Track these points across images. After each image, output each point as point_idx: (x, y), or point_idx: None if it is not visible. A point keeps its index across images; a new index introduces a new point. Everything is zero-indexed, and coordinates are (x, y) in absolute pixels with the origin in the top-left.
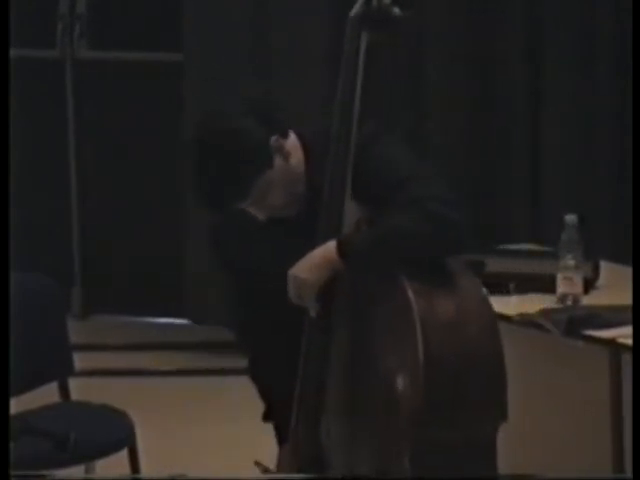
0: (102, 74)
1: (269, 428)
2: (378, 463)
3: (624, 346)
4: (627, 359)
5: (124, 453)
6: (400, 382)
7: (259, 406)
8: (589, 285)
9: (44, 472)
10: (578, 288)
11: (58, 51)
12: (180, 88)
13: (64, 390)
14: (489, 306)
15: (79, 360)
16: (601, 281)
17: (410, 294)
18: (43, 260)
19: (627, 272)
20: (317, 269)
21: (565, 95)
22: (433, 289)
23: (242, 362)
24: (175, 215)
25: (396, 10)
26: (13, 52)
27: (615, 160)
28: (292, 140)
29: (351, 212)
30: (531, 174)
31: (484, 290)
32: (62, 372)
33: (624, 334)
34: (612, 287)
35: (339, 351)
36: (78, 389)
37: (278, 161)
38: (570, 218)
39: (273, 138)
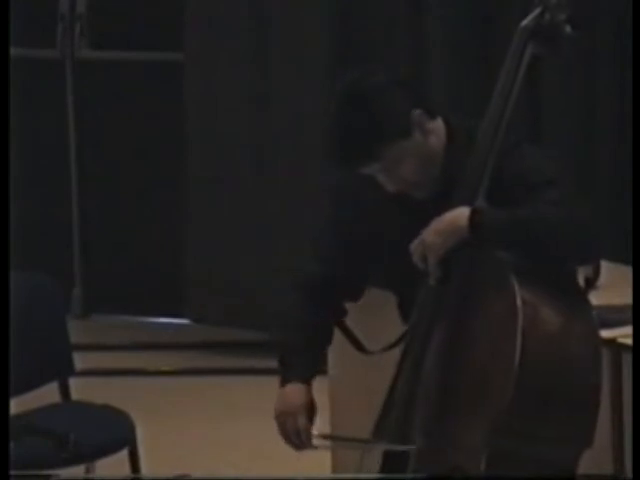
0: (102, 74)
1: (269, 428)
2: (455, 461)
3: (624, 346)
4: (627, 359)
5: (124, 453)
6: (489, 386)
7: (259, 406)
8: (589, 285)
9: (44, 472)
10: None
11: (58, 51)
12: (180, 88)
13: (64, 390)
14: (596, 333)
15: (79, 360)
16: (601, 281)
17: (518, 301)
18: (44, 260)
19: (627, 272)
20: (444, 233)
21: (565, 95)
22: (542, 301)
23: (243, 362)
24: (176, 215)
25: (568, 28)
26: (14, 52)
27: (616, 160)
28: (438, 123)
29: None
30: None
31: (595, 316)
32: (62, 372)
33: (624, 334)
34: (612, 287)
35: (437, 338)
36: (78, 389)
37: (417, 135)
38: None
39: (416, 112)
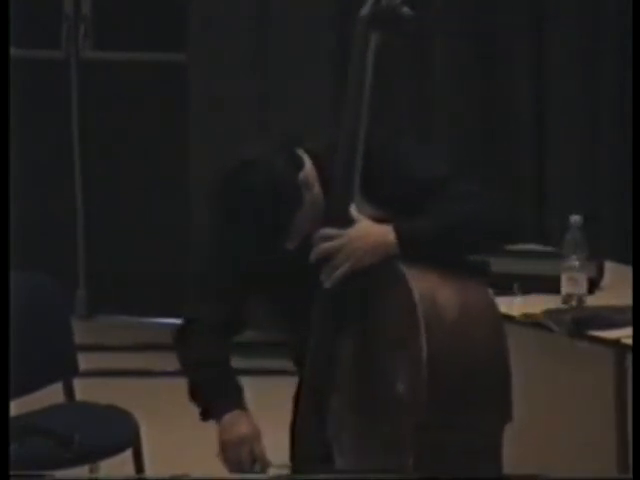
0: (107, 74)
1: (271, 427)
2: (382, 463)
3: (629, 346)
4: (632, 359)
5: (128, 453)
6: (403, 383)
7: (261, 406)
8: (593, 285)
9: (46, 472)
10: (582, 288)
11: (63, 52)
12: (183, 88)
13: (69, 390)
14: (495, 307)
15: (84, 360)
16: (605, 281)
17: (415, 294)
18: (48, 261)
19: (631, 272)
20: (370, 250)
21: (569, 95)
22: (438, 290)
23: (245, 362)
24: (178, 216)
25: (406, 10)
26: (18, 53)
27: (619, 160)
28: (307, 164)
29: (364, 213)
30: (535, 175)
31: (490, 291)
32: (67, 372)
33: (629, 334)
34: (616, 287)
35: (346, 345)
36: (83, 389)
37: (307, 196)
38: (574, 219)
39: (300, 175)
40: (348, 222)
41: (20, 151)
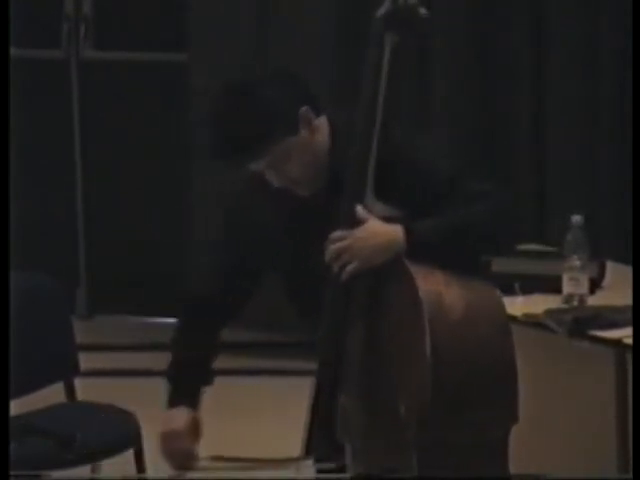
0: (107, 74)
1: (271, 428)
2: (387, 461)
3: (630, 346)
4: (632, 359)
5: (130, 453)
6: (408, 381)
7: (263, 406)
8: (595, 285)
9: (46, 472)
10: (584, 288)
11: (63, 51)
12: (185, 88)
13: (70, 390)
14: (501, 307)
15: (85, 360)
16: (607, 281)
17: (421, 293)
18: (48, 261)
19: (632, 272)
20: (378, 249)
21: (569, 95)
22: (444, 289)
23: (246, 362)
24: (179, 215)
25: (422, 10)
26: (19, 52)
27: (621, 160)
28: (323, 120)
29: (375, 211)
30: (536, 175)
31: (498, 292)
32: (68, 372)
33: (630, 334)
34: (618, 287)
35: (353, 342)
36: (84, 389)
37: (303, 132)
38: (576, 218)
39: (303, 108)
40: (359, 222)
41: (20, 151)
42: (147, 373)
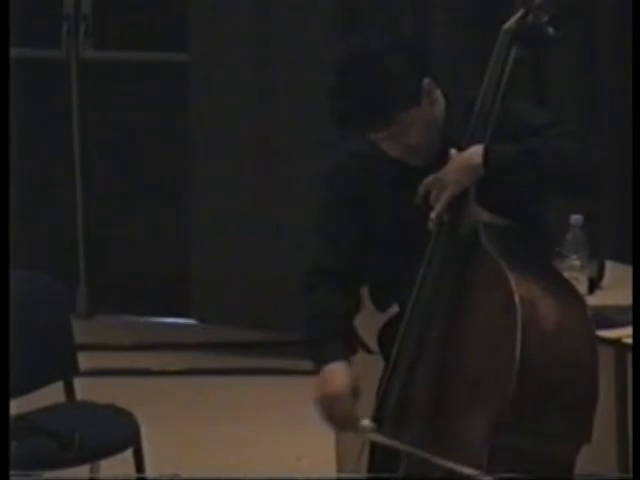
0: (107, 74)
1: (272, 428)
2: (457, 457)
3: (629, 346)
4: (632, 359)
5: (129, 453)
6: (490, 383)
7: (264, 406)
8: (594, 285)
9: (46, 472)
10: (583, 288)
11: (63, 51)
12: (185, 88)
13: (69, 390)
14: (591, 327)
15: (84, 360)
16: (606, 281)
17: (517, 298)
18: (48, 260)
19: (631, 272)
20: (461, 170)
21: (569, 94)
22: (538, 297)
23: (248, 362)
24: (179, 214)
25: (551, 30)
26: (18, 52)
27: (620, 159)
28: (438, 92)
29: None
30: None
31: (588, 309)
32: (67, 372)
33: (629, 334)
34: (617, 287)
35: (432, 337)
36: (83, 389)
37: (425, 103)
38: (575, 218)
39: (426, 80)
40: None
41: (20, 151)
42: (147, 373)
